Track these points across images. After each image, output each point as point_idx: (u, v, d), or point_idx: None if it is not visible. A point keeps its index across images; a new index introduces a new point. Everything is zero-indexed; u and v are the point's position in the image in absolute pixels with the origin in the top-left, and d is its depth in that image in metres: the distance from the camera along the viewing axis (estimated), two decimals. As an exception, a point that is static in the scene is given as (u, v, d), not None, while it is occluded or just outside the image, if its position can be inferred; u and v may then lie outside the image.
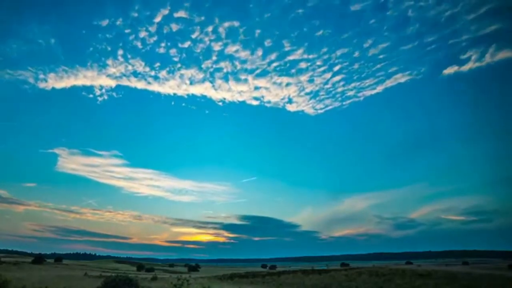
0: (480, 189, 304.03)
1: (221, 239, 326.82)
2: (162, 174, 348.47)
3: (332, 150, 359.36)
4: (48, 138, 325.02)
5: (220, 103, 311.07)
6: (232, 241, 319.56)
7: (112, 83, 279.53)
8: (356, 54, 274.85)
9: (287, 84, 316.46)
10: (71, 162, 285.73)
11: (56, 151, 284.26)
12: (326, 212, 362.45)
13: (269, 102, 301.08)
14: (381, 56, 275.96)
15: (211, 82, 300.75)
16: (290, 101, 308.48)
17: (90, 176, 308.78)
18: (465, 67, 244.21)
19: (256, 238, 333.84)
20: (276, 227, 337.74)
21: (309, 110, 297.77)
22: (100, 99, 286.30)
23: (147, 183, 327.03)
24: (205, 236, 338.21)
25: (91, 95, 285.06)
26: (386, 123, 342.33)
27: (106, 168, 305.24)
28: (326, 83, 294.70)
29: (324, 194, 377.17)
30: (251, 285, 27.27)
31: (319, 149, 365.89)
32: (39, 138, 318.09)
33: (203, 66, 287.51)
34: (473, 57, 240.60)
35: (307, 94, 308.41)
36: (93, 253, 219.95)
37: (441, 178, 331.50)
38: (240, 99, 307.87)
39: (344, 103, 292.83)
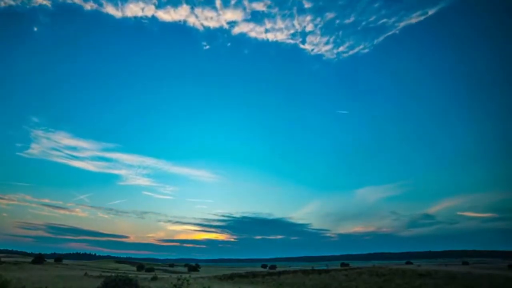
0: (506, 183, 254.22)
1: (221, 237, 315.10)
2: (149, 160, 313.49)
3: (346, 131, 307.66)
4: (15, 111, 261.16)
5: (206, 44, 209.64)
6: (232, 239, 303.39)
7: (47, 2, 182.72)
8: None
9: (300, 11, 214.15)
10: (44, 145, 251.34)
11: (26, 128, 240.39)
12: (336, 206, 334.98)
13: (274, 36, 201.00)
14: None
15: (189, 3, 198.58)
16: (303, 38, 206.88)
17: (75, 164, 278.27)
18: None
19: (258, 237, 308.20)
20: (280, 225, 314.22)
21: (328, 54, 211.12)
22: (36, 28, 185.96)
23: (135, 171, 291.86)
24: (204, 235, 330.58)
25: (26, 28, 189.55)
26: (424, 73, 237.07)
27: (90, 154, 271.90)
28: (354, 5, 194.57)
29: (334, 185, 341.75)
30: (251, 285, 27.26)
31: (331, 125, 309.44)
32: None
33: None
34: None
35: (326, 26, 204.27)
36: (93, 253, 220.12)
37: (467, 166, 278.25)
38: (234, 32, 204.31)
39: (375, 40, 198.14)
